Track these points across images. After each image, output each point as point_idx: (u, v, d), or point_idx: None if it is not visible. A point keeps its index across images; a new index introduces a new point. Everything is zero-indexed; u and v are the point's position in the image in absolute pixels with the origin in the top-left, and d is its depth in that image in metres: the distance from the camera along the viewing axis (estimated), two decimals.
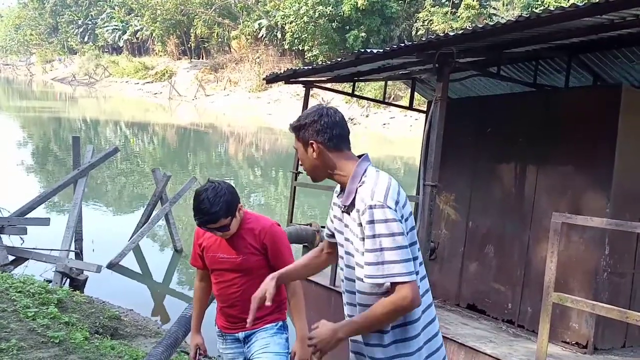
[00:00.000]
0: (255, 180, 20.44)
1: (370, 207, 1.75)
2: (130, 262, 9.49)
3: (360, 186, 1.83)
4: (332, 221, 2.06)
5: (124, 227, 10.89)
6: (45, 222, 8.00)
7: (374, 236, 1.74)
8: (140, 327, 6.07)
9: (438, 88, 4.31)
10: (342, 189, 1.93)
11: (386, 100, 8.10)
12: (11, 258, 7.53)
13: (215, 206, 2.47)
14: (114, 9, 66.14)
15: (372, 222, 1.74)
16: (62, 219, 9.58)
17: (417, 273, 1.82)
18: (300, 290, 2.74)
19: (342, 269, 2.01)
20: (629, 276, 4.33)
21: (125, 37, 62.68)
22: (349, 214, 1.88)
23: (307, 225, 5.40)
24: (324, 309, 5.38)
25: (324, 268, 2.35)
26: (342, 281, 2.04)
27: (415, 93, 6.94)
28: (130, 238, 9.78)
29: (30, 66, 72.13)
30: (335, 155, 1.91)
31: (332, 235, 2.08)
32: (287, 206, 6.57)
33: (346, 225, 1.92)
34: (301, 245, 5.93)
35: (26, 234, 7.91)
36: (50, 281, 7.05)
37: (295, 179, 6.43)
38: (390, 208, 1.76)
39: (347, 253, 1.94)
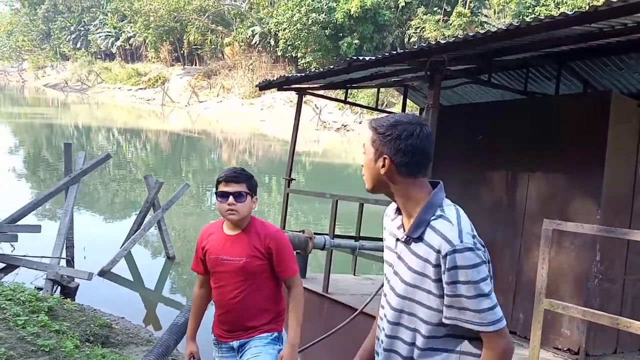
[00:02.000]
0: None
1: (461, 250, 1.55)
2: (122, 269, 9.44)
3: (434, 219, 1.61)
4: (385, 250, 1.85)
5: (115, 234, 10.83)
6: (36, 229, 7.95)
7: (466, 282, 1.54)
8: (131, 335, 6.03)
9: (430, 95, 4.34)
10: (399, 213, 1.74)
11: (379, 107, 8.13)
12: (1, 265, 7.48)
13: (243, 172, 2.67)
14: (107, 15, 66.12)
15: (467, 266, 1.55)
16: (53, 226, 9.51)
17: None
18: (302, 297, 2.73)
19: (382, 306, 1.82)
20: (620, 282, 4.35)
21: (118, 43, 62.63)
22: (407, 245, 1.67)
23: (299, 232, 5.38)
24: (316, 316, 5.37)
25: None
26: (380, 318, 1.82)
27: (408, 100, 6.97)
28: (122, 245, 9.72)
29: (22, 72, 71.85)
30: (406, 180, 1.66)
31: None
32: (280, 213, 6.55)
33: (399, 257, 1.70)
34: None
35: (17, 241, 7.85)
36: (41, 289, 6.99)
37: (288, 186, 6.42)
38: (480, 250, 1.59)
39: (392, 288, 1.73)
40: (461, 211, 1.67)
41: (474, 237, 1.59)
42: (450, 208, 1.66)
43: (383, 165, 1.65)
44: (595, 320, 3.16)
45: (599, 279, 4.15)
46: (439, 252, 1.57)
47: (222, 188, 2.61)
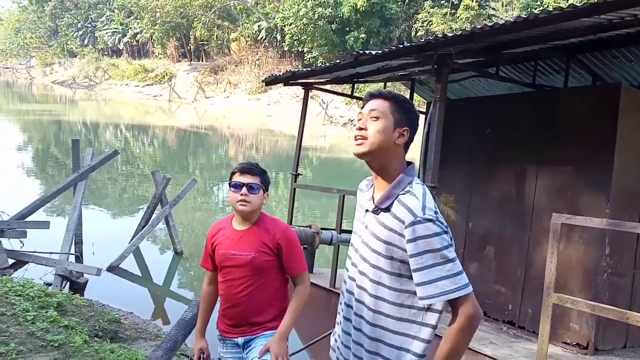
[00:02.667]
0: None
1: (421, 221, 1.64)
2: (130, 264, 9.48)
3: (402, 194, 1.73)
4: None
5: (124, 230, 10.88)
6: (45, 225, 8.00)
7: (428, 251, 1.63)
8: (140, 330, 6.06)
9: (437, 89, 4.31)
10: (371, 186, 1.87)
11: None
12: (11, 261, 7.52)
13: (258, 166, 2.72)
14: (114, 11, 66.26)
15: (429, 235, 1.63)
16: (62, 222, 9.57)
17: None
18: (307, 293, 2.72)
19: (351, 278, 1.89)
20: (629, 276, 4.32)
21: (125, 39, 62.78)
22: (376, 215, 1.78)
23: (306, 227, 5.39)
24: (323, 311, 5.37)
25: None
26: (345, 283, 1.93)
27: (415, 94, 6.93)
28: (131, 241, 9.77)
29: (30, 69, 72.27)
30: (401, 153, 1.82)
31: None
32: (287, 208, 6.56)
33: (366, 227, 1.81)
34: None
35: (26, 237, 7.91)
36: (50, 284, 7.05)
37: (295, 181, 6.42)
38: (441, 222, 1.67)
39: (363, 259, 1.82)
40: (427, 190, 1.77)
41: (436, 212, 1.68)
42: (418, 186, 1.76)
43: (401, 136, 1.79)
44: (605, 314, 3.14)
45: (608, 273, 4.12)
46: (401, 221, 1.68)
47: (237, 178, 2.64)
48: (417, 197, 1.70)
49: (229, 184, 2.67)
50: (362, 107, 1.86)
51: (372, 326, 1.78)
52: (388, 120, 1.77)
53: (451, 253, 1.64)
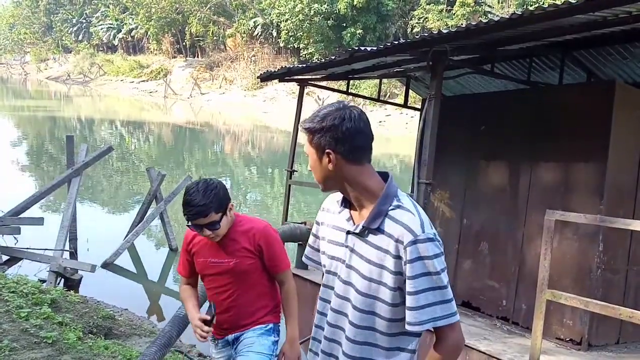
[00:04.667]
0: (251, 178, 20.42)
1: (423, 241, 1.52)
2: (125, 261, 9.46)
3: (392, 209, 1.58)
4: (316, 247, 1.84)
5: (118, 226, 10.86)
6: (39, 221, 7.96)
7: (427, 274, 1.52)
8: (134, 327, 6.05)
9: (432, 86, 4.31)
10: (345, 205, 1.70)
11: (381, 98, 8.09)
12: (5, 258, 7.49)
13: (206, 199, 2.40)
14: (109, 7, 65.96)
15: (428, 257, 1.52)
16: (56, 218, 9.54)
17: None
18: (294, 292, 2.69)
19: (326, 300, 1.74)
20: (623, 273, 4.33)
21: (120, 35, 62.54)
22: (362, 236, 1.62)
23: (301, 223, 5.38)
24: None
25: None
26: (322, 313, 1.76)
27: (411, 91, 6.93)
28: (125, 237, 9.75)
29: (24, 65, 71.86)
30: (356, 168, 1.61)
31: (314, 257, 1.87)
32: (282, 204, 6.55)
33: (352, 251, 1.64)
34: (296, 244, 5.91)
35: (20, 233, 7.87)
36: (44, 281, 7.02)
37: (290, 177, 6.41)
38: (439, 241, 1.56)
39: (347, 283, 1.65)
40: (415, 202, 1.65)
41: (432, 227, 1.58)
42: (405, 198, 1.62)
43: (329, 160, 1.60)
44: (598, 310, 3.15)
45: (601, 270, 4.14)
46: (398, 241, 1.54)
47: (193, 223, 2.46)
48: (411, 212, 1.57)
49: (187, 225, 2.51)
50: None
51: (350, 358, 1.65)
52: (312, 154, 1.64)
53: (446, 277, 1.55)
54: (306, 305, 5.69)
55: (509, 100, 5.13)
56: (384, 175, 1.67)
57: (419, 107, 6.40)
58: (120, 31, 62.47)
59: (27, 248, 7.64)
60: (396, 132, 31.08)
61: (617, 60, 5.02)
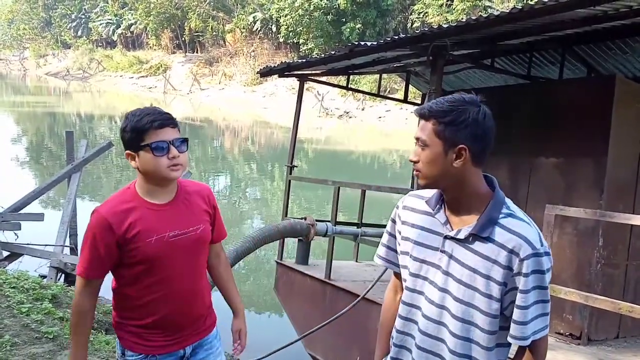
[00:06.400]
0: (251, 174, 20.42)
1: (541, 254, 1.45)
2: None
3: (503, 217, 1.49)
4: (393, 247, 1.70)
5: None
6: (39, 217, 7.98)
7: (544, 287, 1.47)
8: None
9: (432, 80, 4.31)
10: (440, 207, 1.58)
11: (381, 93, 8.09)
12: (5, 254, 7.50)
13: (169, 113, 1.92)
14: (108, 2, 65.73)
15: (543, 271, 1.46)
16: (56, 214, 9.54)
17: None
18: (226, 255, 2.24)
19: (414, 305, 1.62)
20: (623, 267, 4.34)
21: (119, 31, 62.31)
22: (467, 243, 1.51)
23: (301, 218, 5.39)
24: (319, 303, 5.39)
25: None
26: (409, 319, 1.64)
27: (411, 86, 6.92)
28: None
29: (23, 61, 71.66)
30: (476, 171, 1.52)
31: (398, 265, 1.70)
32: (282, 200, 6.55)
33: (451, 257, 1.53)
34: (296, 240, 5.92)
35: (20, 229, 7.87)
36: (44, 277, 7.03)
37: (290, 173, 6.41)
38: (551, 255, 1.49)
39: (443, 290, 1.54)
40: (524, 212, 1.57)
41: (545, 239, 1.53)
42: (514, 206, 1.54)
43: (458, 157, 1.48)
44: (597, 305, 3.16)
45: (601, 264, 4.15)
46: (512, 252, 1.44)
47: (158, 137, 1.83)
48: (527, 222, 1.49)
49: (142, 146, 1.83)
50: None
51: None
52: (436, 146, 1.49)
53: (549, 291, 1.50)
54: (306, 300, 5.72)
55: (509, 95, 5.12)
56: (488, 179, 1.58)
57: (419, 102, 6.39)
58: (120, 26, 62.26)
59: (28, 244, 7.64)
60: (395, 127, 31.07)
61: (617, 55, 5.02)
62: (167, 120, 1.86)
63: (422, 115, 1.53)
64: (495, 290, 1.47)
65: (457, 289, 1.52)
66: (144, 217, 1.87)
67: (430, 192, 1.63)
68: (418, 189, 1.68)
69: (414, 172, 1.57)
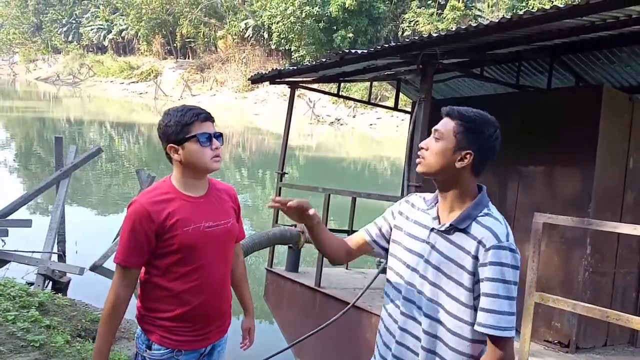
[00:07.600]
0: (242, 180, 20.37)
1: (504, 248, 1.58)
2: (113, 264, 9.37)
3: (481, 216, 1.65)
4: (387, 231, 1.85)
5: (107, 229, 10.75)
6: (27, 223, 7.89)
7: (504, 281, 1.56)
8: (122, 330, 5.99)
9: (422, 89, 4.34)
10: (434, 204, 1.75)
11: (372, 101, 8.11)
12: None
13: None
14: (99, 7, 65.57)
15: (505, 264, 1.57)
16: (44, 220, 9.44)
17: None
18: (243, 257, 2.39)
19: (399, 290, 1.77)
20: (610, 275, 4.37)
21: (110, 36, 62.13)
22: (446, 234, 1.67)
23: (292, 226, 5.37)
24: (309, 310, 5.37)
25: (339, 258, 1.93)
26: (395, 304, 1.78)
27: (401, 94, 6.95)
28: (114, 240, 9.66)
29: (13, 65, 71.09)
30: (472, 178, 1.71)
31: (379, 240, 1.87)
32: None
33: (433, 247, 1.69)
34: (286, 247, 5.90)
35: (7, 235, 7.78)
36: (32, 284, 6.95)
37: (281, 180, 6.40)
38: (519, 256, 1.62)
39: (423, 277, 1.69)
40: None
41: (514, 241, 1.64)
42: (495, 210, 1.70)
43: (462, 159, 1.66)
44: (585, 313, 3.17)
45: (589, 272, 4.17)
46: (480, 243, 1.59)
47: (203, 129, 1.97)
48: (499, 221, 1.64)
49: (188, 137, 1.96)
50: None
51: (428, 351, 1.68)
52: (449, 142, 1.66)
53: (515, 291, 1.60)
54: (296, 307, 5.70)
55: (498, 104, 5.15)
56: (479, 187, 1.75)
57: (410, 110, 6.42)
58: (111, 32, 62.06)
59: (15, 250, 7.55)
60: (386, 134, 31.16)
61: (605, 65, 5.07)
62: (209, 115, 2.02)
63: (450, 114, 1.71)
64: (466, 279, 1.61)
65: (433, 274, 1.67)
66: (181, 208, 1.96)
67: (432, 195, 1.80)
68: (408, 192, 1.81)
69: (418, 159, 1.73)
